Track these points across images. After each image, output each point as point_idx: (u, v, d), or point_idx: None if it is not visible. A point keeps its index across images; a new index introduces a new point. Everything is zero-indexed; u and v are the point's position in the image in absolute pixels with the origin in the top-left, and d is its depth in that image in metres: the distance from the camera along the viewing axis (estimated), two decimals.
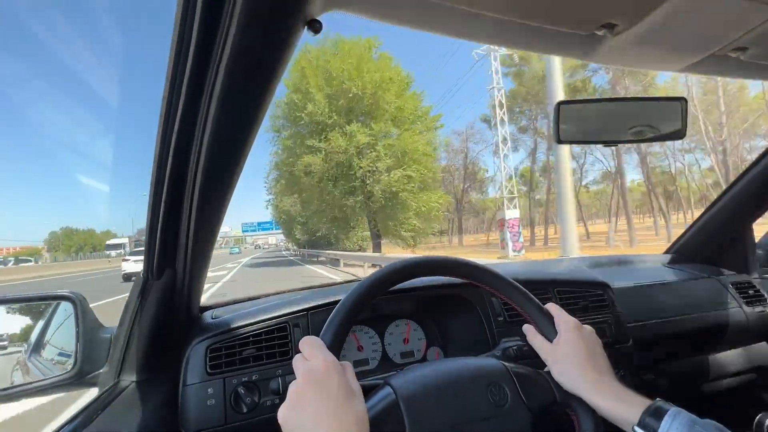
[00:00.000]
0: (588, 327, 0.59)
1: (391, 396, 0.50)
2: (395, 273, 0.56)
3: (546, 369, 0.57)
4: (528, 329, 0.60)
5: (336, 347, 0.49)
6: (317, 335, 0.50)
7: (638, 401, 0.49)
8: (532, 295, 0.60)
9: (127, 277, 13.54)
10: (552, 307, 0.60)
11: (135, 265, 13.67)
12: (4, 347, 0.76)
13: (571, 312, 0.60)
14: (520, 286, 0.60)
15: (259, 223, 65.27)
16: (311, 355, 0.46)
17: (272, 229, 61.83)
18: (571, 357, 0.54)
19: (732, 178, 1.21)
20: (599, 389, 0.52)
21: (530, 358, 0.62)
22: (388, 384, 0.52)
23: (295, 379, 0.45)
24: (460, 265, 0.60)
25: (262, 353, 0.75)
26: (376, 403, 0.50)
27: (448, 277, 0.68)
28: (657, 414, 0.47)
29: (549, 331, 0.58)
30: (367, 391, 0.53)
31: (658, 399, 0.49)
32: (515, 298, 0.60)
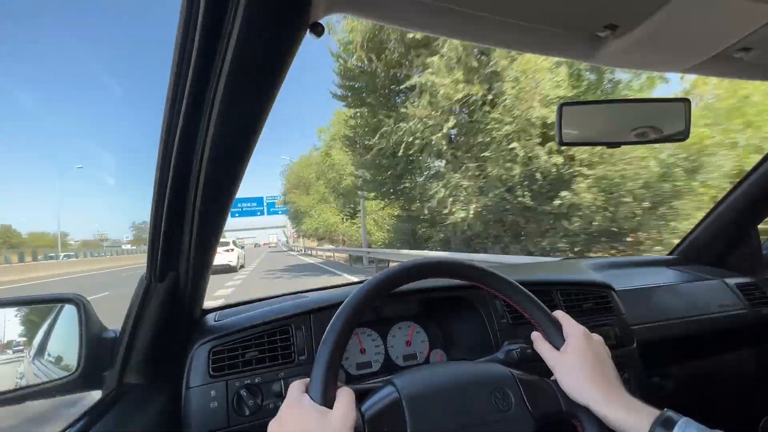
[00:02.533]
0: (597, 336, 0.58)
1: (393, 394, 0.50)
2: (400, 274, 0.55)
3: (552, 377, 0.57)
4: (535, 336, 0.59)
5: (329, 386, 0.47)
6: (320, 338, 0.50)
7: (647, 412, 0.49)
8: (540, 302, 0.59)
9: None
10: (560, 314, 0.59)
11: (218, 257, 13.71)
12: (20, 350, 0.77)
13: (575, 314, 0.60)
14: (528, 292, 0.60)
15: (238, 201, 30.05)
16: (294, 401, 0.47)
17: (261, 214, 33.25)
18: (579, 366, 0.53)
19: None
20: (608, 400, 0.51)
21: (534, 361, 0.62)
22: (391, 383, 0.52)
23: (296, 380, 0.47)
24: (466, 268, 0.59)
25: (265, 356, 0.75)
26: (378, 400, 0.49)
27: (453, 280, 0.68)
28: (667, 425, 0.46)
29: (556, 338, 0.57)
30: (369, 391, 0.53)
31: (667, 409, 0.48)
32: (522, 303, 0.59)
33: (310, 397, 0.46)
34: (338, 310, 0.51)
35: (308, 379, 0.49)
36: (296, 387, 0.49)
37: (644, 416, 0.48)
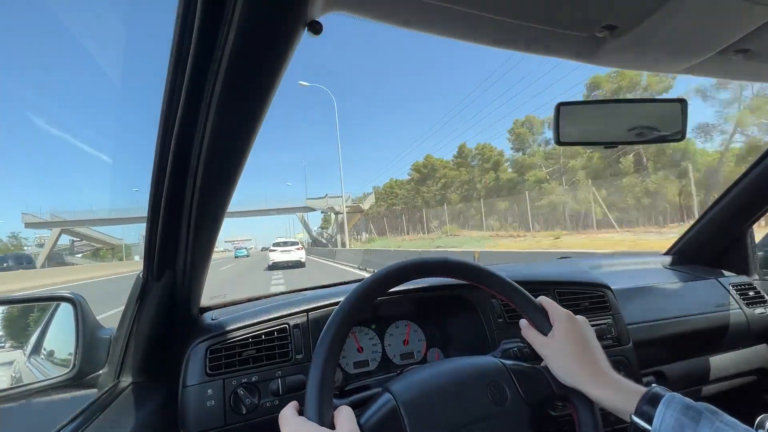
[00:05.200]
0: (581, 317, 0.59)
1: (391, 403, 0.50)
2: (389, 276, 0.55)
3: (543, 363, 0.58)
4: (523, 324, 0.60)
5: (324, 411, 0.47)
6: (317, 336, 0.50)
7: (634, 389, 0.50)
8: (524, 290, 0.60)
9: (274, 265, 16.36)
10: (544, 300, 0.60)
11: (281, 255, 16.55)
12: (15, 349, 0.76)
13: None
14: (512, 282, 0.60)
15: None
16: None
17: None
18: (566, 349, 0.54)
19: None
20: (595, 380, 0.52)
21: (530, 359, 0.62)
22: (387, 390, 0.52)
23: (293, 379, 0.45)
24: (452, 265, 0.59)
25: (262, 354, 0.74)
26: (376, 410, 0.49)
27: (445, 278, 0.68)
28: (653, 401, 0.47)
29: (543, 324, 0.58)
30: (367, 400, 0.53)
31: (653, 386, 0.50)
32: (508, 292, 0.60)
33: (308, 418, 0.46)
34: (329, 320, 0.51)
35: (295, 402, 0.49)
36: (289, 413, 0.48)
37: (631, 394, 0.49)
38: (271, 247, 17.55)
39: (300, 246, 17.58)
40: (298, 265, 16.55)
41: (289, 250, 16.72)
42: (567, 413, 0.57)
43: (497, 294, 0.61)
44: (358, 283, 0.55)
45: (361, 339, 0.91)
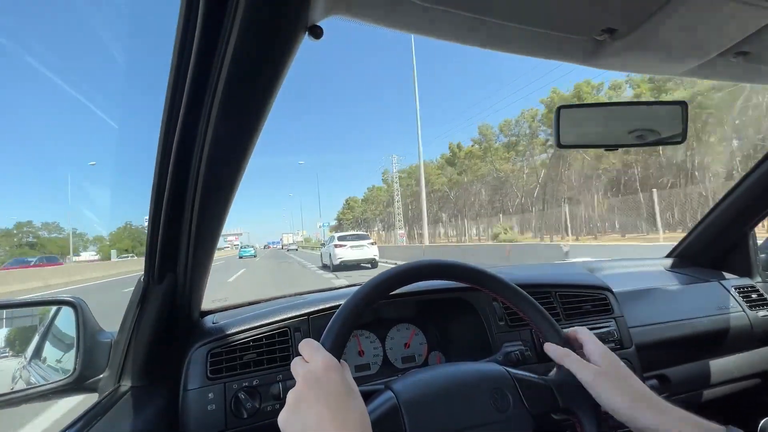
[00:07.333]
0: (613, 355, 0.55)
1: (392, 400, 0.49)
2: (398, 276, 0.55)
3: (550, 375, 0.56)
4: (572, 359, 0.55)
5: (336, 351, 0.48)
6: (318, 339, 0.50)
7: (705, 425, 0.47)
8: (544, 310, 0.58)
9: (342, 265, 13.34)
10: (583, 333, 0.57)
11: (352, 251, 13.53)
12: (16, 353, 0.76)
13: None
14: (533, 299, 0.59)
15: None
16: (310, 357, 0.45)
17: None
18: (624, 388, 0.51)
19: None
20: (661, 413, 0.48)
21: (532, 362, 0.62)
22: (389, 388, 0.52)
23: (294, 383, 0.44)
24: (467, 270, 0.59)
25: (263, 358, 0.74)
26: (377, 407, 0.49)
27: (449, 281, 0.67)
28: None
29: (550, 334, 0.57)
30: (368, 396, 0.53)
31: (731, 427, 0.46)
32: (521, 305, 0.59)
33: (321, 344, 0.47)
34: (338, 310, 0.51)
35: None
36: (311, 345, 0.46)
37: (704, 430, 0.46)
38: (336, 241, 14.06)
39: (373, 240, 14.65)
40: (370, 264, 13.77)
41: (360, 246, 13.66)
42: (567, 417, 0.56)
43: (510, 303, 0.60)
44: (372, 278, 0.55)
45: (362, 342, 0.91)
